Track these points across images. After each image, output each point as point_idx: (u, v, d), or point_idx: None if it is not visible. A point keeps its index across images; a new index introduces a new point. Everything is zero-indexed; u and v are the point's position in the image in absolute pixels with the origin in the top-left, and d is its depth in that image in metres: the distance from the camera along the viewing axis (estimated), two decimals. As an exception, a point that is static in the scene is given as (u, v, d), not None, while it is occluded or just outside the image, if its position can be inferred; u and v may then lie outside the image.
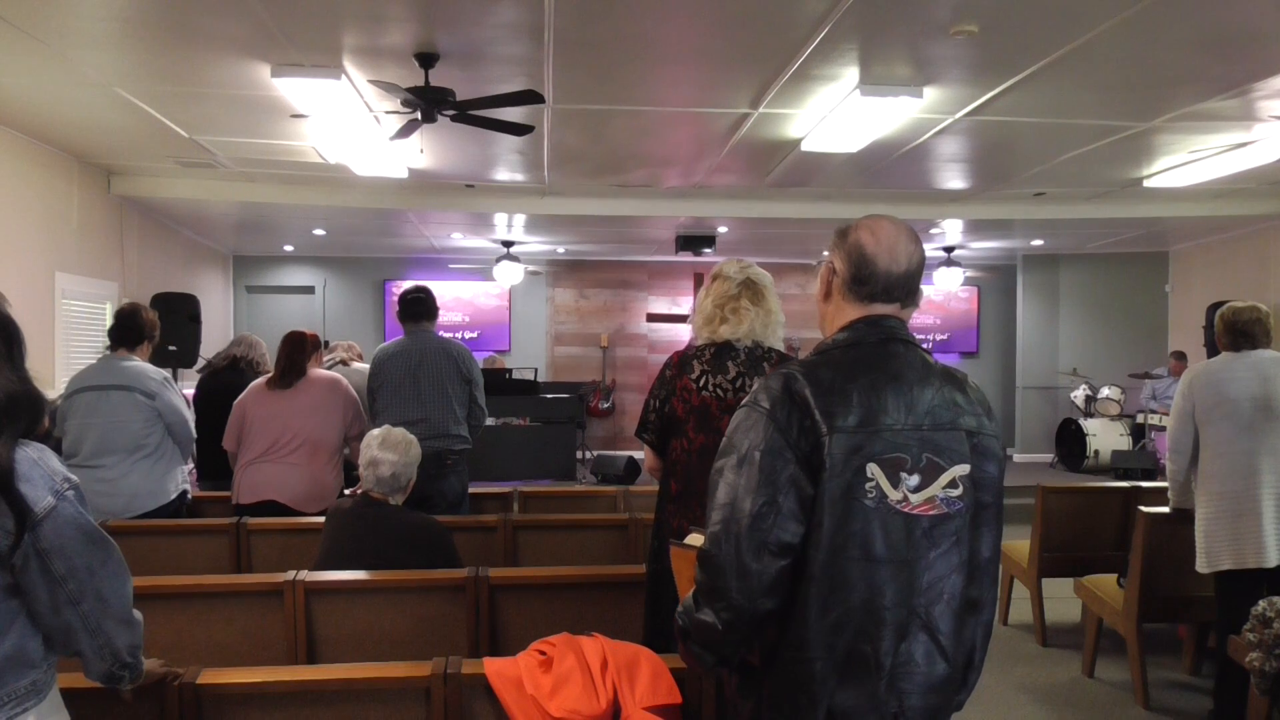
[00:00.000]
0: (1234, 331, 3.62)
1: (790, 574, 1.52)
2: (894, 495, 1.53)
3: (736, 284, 2.78)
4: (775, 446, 1.52)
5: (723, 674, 1.74)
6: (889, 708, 1.55)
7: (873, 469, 1.52)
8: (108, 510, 3.75)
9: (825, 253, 1.75)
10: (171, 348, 6.86)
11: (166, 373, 4.09)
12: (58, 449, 3.82)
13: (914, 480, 1.54)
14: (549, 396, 9.49)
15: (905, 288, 1.67)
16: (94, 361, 4.16)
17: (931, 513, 1.55)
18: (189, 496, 4.14)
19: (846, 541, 1.51)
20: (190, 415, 4.12)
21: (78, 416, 3.87)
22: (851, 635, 1.53)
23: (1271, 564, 3.39)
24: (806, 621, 1.52)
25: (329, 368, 5.43)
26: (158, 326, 4.13)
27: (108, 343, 4.09)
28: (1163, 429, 9.21)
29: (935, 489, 1.56)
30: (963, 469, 1.58)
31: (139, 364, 3.97)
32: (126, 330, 4.00)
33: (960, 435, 1.59)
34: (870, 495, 1.52)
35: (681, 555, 1.76)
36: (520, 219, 9.02)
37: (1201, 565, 3.55)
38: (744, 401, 1.62)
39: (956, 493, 1.57)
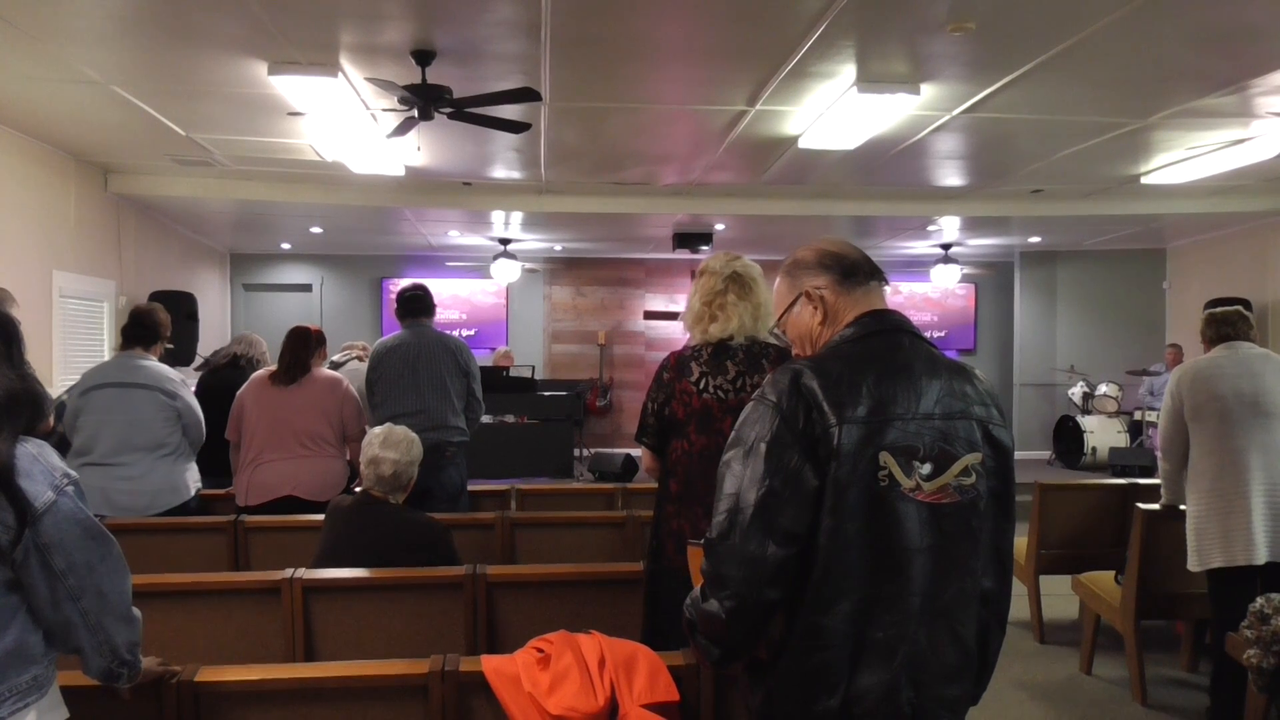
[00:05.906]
0: (1216, 323, 3.66)
1: (795, 564, 1.52)
2: (907, 483, 1.53)
3: (722, 279, 2.71)
4: (780, 437, 1.53)
5: (732, 671, 1.73)
6: (904, 696, 1.54)
7: (885, 458, 1.53)
8: (132, 508, 3.75)
9: (802, 287, 1.76)
10: (169, 346, 6.85)
11: (181, 373, 4.10)
12: (61, 445, 3.81)
13: (926, 469, 1.55)
14: (546, 394, 9.49)
15: (874, 266, 1.75)
16: (106, 359, 4.14)
17: (945, 501, 1.55)
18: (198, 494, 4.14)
19: (860, 530, 1.51)
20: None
21: (94, 413, 3.82)
22: (866, 623, 1.52)
23: (1261, 561, 3.38)
24: (819, 610, 1.52)
25: (343, 363, 5.43)
26: (170, 327, 4.13)
27: (118, 340, 4.08)
28: (1160, 425, 9.18)
29: (948, 477, 1.56)
30: (975, 457, 1.59)
31: (158, 364, 3.98)
32: (143, 329, 3.98)
33: (971, 424, 1.60)
34: (883, 484, 1.52)
35: (698, 554, 1.75)
36: (517, 217, 9.02)
37: (1193, 564, 3.54)
38: (753, 396, 1.63)
39: (970, 480, 1.58)
